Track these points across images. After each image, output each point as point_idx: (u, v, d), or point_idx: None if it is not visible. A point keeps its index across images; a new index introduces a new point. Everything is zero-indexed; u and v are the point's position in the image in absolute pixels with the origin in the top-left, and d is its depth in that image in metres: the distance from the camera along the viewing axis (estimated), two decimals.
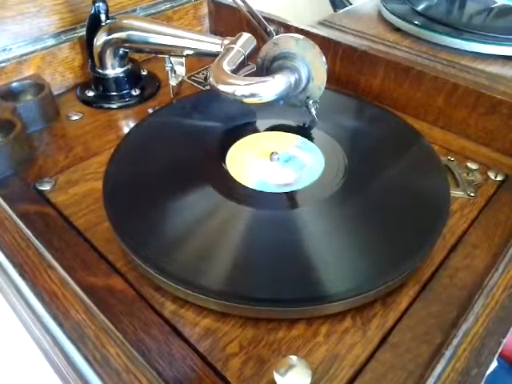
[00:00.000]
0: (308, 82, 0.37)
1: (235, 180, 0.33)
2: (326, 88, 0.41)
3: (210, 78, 0.35)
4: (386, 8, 0.68)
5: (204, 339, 0.26)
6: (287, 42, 0.36)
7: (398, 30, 0.66)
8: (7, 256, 0.24)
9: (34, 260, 0.24)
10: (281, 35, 0.36)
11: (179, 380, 0.23)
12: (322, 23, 0.70)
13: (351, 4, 0.81)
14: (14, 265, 0.24)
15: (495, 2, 0.66)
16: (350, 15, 0.74)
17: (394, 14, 0.66)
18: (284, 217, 0.31)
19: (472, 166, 0.37)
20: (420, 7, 0.66)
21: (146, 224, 0.30)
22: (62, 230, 0.32)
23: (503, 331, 0.21)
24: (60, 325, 0.21)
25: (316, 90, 0.37)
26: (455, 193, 0.35)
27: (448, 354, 0.19)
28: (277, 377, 0.23)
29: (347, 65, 0.47)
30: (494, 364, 0.70)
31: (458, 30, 0.60)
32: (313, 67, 0.36)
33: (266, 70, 0.38)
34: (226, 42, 0.40)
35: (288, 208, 0.32)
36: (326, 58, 0.47)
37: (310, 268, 0.27)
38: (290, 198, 0.32)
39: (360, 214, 0.31)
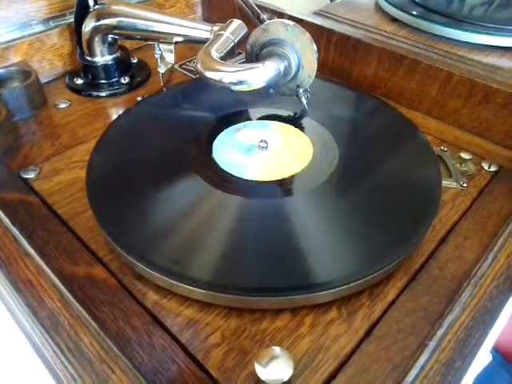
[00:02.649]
0: (298, 69, 0.36)
1: (222, 169, 0.33)
2: (318, 77, 0.40)
3: (198, 65, 0.34)
4: None
5: (186, 330, 0.25)
6: (277, 29, 0.35)
7: (394, 20, 0.65)
8: None
9: (10, 247, 0.23)
10: (271, 21, 0.35)
11: (158, 370, 0.23)
12: (318, 13, 0.69)
13: None
14: None
15: None
16: (346, 5, 0.73)
17: (391, 3, 0.65)
18: (271, 205, 0.30)
19: (465, 156, 0.36)
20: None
21: (129, 213, 0.29)
22: (45, 218, 0.31)
23: (490, 322, 0.20)
24: (34, 313, 0.20)
25: (306, 79, 0.36)
26: (447, 183, 0.35)
27: (432, 345, 0.19)
28: (258, 368, 0.22)
29: (341, 54, 0.46)
30: (489, 359, 0.69)
31: (455, 21, 0.59)
32: (303, 55, 0.35)
33: (255, 56, 0.37)
34: (216, 28, 0.39)
35: (276, 197, 0.31)
36: (320, 47, 0.47)
37: (297, 257, 0.26)
38: (278, 186, 0.32)
39: (349, 203, 0.30)
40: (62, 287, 0.21)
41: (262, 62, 0.34)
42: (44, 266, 0.22)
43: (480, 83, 0.38)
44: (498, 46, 0.56)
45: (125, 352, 0.19)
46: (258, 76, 0.34)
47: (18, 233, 0.24)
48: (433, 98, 0.41)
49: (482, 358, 0.51)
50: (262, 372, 0.22)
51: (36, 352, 0.20)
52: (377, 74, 0.44)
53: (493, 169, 0.36)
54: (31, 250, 0.23)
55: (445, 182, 0.35)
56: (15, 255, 0.23)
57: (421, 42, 0.60)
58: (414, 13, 0.62)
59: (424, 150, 0.34)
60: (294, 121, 0.38)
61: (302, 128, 0.37)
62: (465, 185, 0.35)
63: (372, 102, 0.40)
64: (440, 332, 0.19)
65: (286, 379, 0.22)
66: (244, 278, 0.25)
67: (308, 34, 0.35)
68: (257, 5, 0.42)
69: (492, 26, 0.56)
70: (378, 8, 0.70)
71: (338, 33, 0.45)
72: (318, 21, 0.48)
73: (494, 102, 0.37)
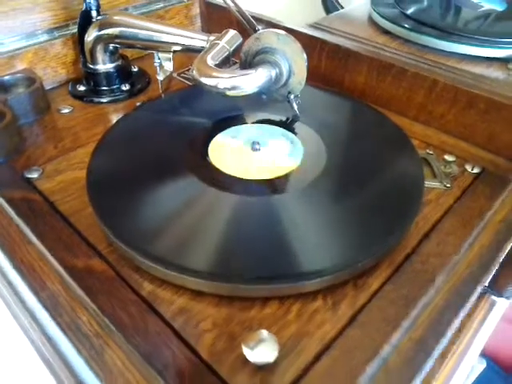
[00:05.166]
0: (289, 76, 0.38)
1: (217, 168, 0.34)
2: (310, 84, 0.42)
3: (194, 72, 0.36)
4: (375, 11, 0.69)
5: (179, 316, 0.26)
6: (269, 37, 0.37)
7: (387, 32, 0.68)
8: None
9: (14, 236, 0.25)
10: (263, 30, 0.37)
11: (152, 353, 0.24)
12: (313, 25, 0.71)
13: (343, 8, 0.83)
14: None
15: (482, 7, 0.67)
16: (340, 18, 0.75)
17: (383, 16, 0.67)
18: (262, 202, 0.32)
19: (449, 158, 0.38)
20: (409, 11, 0.67)
21: (126, 208, 0.31)
22: (46, 215, 0.33)
23: (461, 304, 0.21)
24: (36, 294, 0.21)
25: (297, 85, 0.38)
26: (432, 184, 0.36)
27: (406, 324, 0.20)
28: (245, 350, 0.23)
29: (332, 63, 0.48)
30: (483, 365, 0.69)
31: (445, 33, 0.62)
32: (293, 62, 0.37)
33: (248, 64, 0.39)
34: (212, 38, 0.41)
35: (266, 194, 0.33)
36: (313, 57, 0.49)
37: (285, 248, 0.28)
38: (269, 184, 0.33)
39: (336, 199, 0.32)
40: (63, 272, 0.23)
41: (254, 68, 0.36)
42: (46, 253, 0.24)
43: (463, 89, 0.40)
44: (485, 57, 0.59)
45: (120, 331, 0.21)
46: (250, 82, 0.36)
47: (21, 223, 0.26)
48: (419, 104, 0.43)
49: (472, 361, 0.52)
50: (249, 354, 0.23)
51: (40, 331, 0.21)
52: (367, 82, 0.46)
53: (476, 170, 0.38)
54: (34, 239, 0.25)
55: (429, 183, 0.36)
56: (19, 243, 0.24)
57: (411, 52, 0.62)
58: (405, 25, 0.64)
59: (408, 152, 0.36)
60: (286, 125, 0.40)
61: (293, 131, 0.39)
62: (448, 185, 0.36)
63: (360, 107, 0.42)
64: (414, 313, 0.21)
65: (271, 361, 0.23)
66: (234, 267, 0.27)
67: (298, 43, 0.37)
68: (253, 17, 0.44)
69: (478, 37, 0.59)
70: (371, 21, 0.72)
71: (330, 43, 0.47)
72: (312, 32, 0.51)
73: (476, 107, 0.39)
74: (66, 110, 0.45)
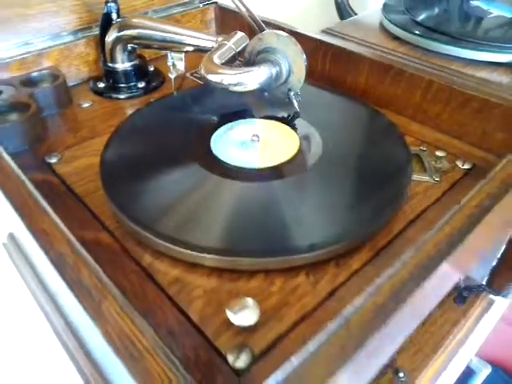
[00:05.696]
0: (289, 74, 0.40)
1: (217, 157, 0.37)
2: (312, 84, 0.45)
3: (201, 69, 0.39)
4: (386, 18, 0.72)
5: (173, 285, 0.29)
6: (270, 38, 0.40)
7: (396, 38, 0.70)
8: (12, 203, 0.29)
9: (33, 207, 0.28)
10: (265, 31, 0.40)
11: (147, 313, 0.27)
12: (325, 31, 0.74)
13: (356, 14, 0.85)
14: (16, 208, 0.28)
15: (491, 13, 0.68)
16: (353, 24, 0.78)
17: (392, 23, 0.70)
18: (257, 186, 0.34)
19: (440, 153, 0.40)
20: (419, 18, 0.69)
21: (133, 189, 0.34)
22: (63, 194, 0.37)
23: (424, 277, 0.23)
24: (46, 253, 0.25)
25: (296, 83, 0.41)
26: (422, 178, 0.38)
27: (370, 290, 0.22)
28: (228, 313, 0.26)
29: (336, 64, 0.50)
30: (488, 370, 0.70)
31: (452, 38, 0.63)
32: (293, 62, 0.40)
33: (252, 62, 0.42)
34: (220, 39, 0.44)
35: (262, 180, 0.35)
36: (318, 59, 0.52)
37: (274, 226, 0.31)
38: (264, 172, 0.36)
39: (328, 186, 0.34)
40: (73, 239, 0.26)
41: (256, 66, 0.39)
42: (59, 223, 0.27)
43: (457, 90, 0.41)
44: (490, 62, 0.60)
45: (117, 284, 0.23)
46: (252, 78, 0.39)
47: (40, 197, 0.29)
48: (416, 103, 0.45)
49: (466, 358, 0.52)
50: (232, 317, 0.26)
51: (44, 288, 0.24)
52: (367, 83, 0.48)
53: (466, 166, 0.39)
54: (50, 211, 0.28)
55: (419, 177, 0.38)
56: (36, 213, 0.28)
57: (418, 57, 0.64)
58: (413, 31, 0.66)
59: (399, 145, 0.38)
60: (286, 120, 0.42)
61: (293, 126, 0.41)
62: (437, 179, 0.38)
63: (356, 105, 0.45)
64: (379, 281, 0.23)
65: (252, 323, 0.26)
66: (224, 241, 0.30)
67: (298, 45, 0.40)
68: (264, 21, 0.47)
69: (484, 43, 0.60)
70: (382, 27, 0.74)
71: (334, 45, 0.50)
72: (318, 36, 0.53)
73: (470, 107, 0.41)
74: (86, 105, 0.49)
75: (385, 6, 0.75)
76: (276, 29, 0.54)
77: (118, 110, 0.49)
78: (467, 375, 0.70)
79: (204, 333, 0.26)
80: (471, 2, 0.72)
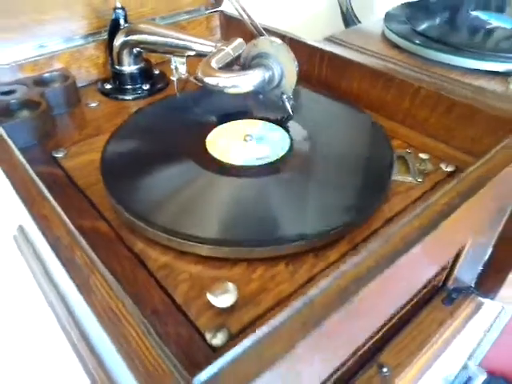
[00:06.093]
0: (281, 79, 0.43)
1: (212, 155, 0.40)
2: (309, 88, 0.47)
3: (199, 73, 0.42)
4: (386, 27, 0.73)
5: (162, 270, 0.31)
6: (264, 44, 0.42)
7: (396, 47, 0.72)
8: (17, 191, 0.31)
9: (35, 195, 0.31)
10: (259, 38, 0.42)
11: (137, 295, 0.29)
12: (328, 38, 0.76)
13: (360, 23, 0.88)
14: (20, 196, 0.31)
15: (490, 24, 0.70)
16: (355, 32, 0.80)
17: (392, 31, 0.71)
18: (245, 183, 0.37)
19: (424, 156, 0.42)
20: (418, 27, 0.71)
21: (130, 182, 0.37)
22: (65, 186, 0.39)
23: (388, 266, 0.25)
24: (45, 235, 0.27)
25: (288, 87, 0.43)
26: (405, 178, 0.40)
27: (335, 274, 0.24)
28: (209, 296, 0.28)
29: (331, 70, 0.52)
30: (483, 376, 0.71)
31: (450, 47, 0.65)
32: (285, 67, 0.42)
33: (247, 67, 0.44)
34: (219, 44, 0.47)
35: (251, 176, 0.38)
36: (315, 64, 0.54)
37: (259, 219, 0.33)
38: (253, 168, 0.38)
39: (313, 182, 0.37)
40: (67, 221, 0.28)
41: (250, 70, 0.41)
42: (59, 210, 0.29)
43: (444, 96, 0.43)
44: (486, 71, 0.61)
45: (106, 264, 0.26)
46: (246, 81, 0.41)
47: (42, 186, 0.31)
48: (406, 109, 0.47)
49: (455, 360, 0.54)
50: (212, 299, 0.28)
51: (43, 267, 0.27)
52: (360, 88, 0.50)
53: (450, 169, 0.41)
54: (51, 199, 0.30)
55: (403, 177, 0.40)
56: (38, 200, 0.30)
57: (417, 65, 0.66)
58: (412, 39, 0.67)
59: (382, 146, 0.40)
60: (280, 122, 0.44)
61: (285, 127, 0.43)
62: (420, 180, 0.40)
63: (348, 108, 0.47)
64: (344, 268, 0.25)
65: (229, 305, 0.28)
66: (210, 231, 0.32)
67: (291, 52, 0.42)
68: (266, 29, 0.49)
69: (481, 52, 0.62)
70: (383, 36, 0.76)
71: (329, 52, 0.52)
72: (316, 43, 0.55)
73: (455, 112, 0.43)
74: (93, 104, 0.52)
75: (387, 15, 0.77)
76: (277, 36, 0.57)
77: (123, 109, 0.52)
78: (465, 381, 0.71)
79: (186, 313, 0.28)
80: (471, 12, 0.73)
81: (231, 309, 0.28)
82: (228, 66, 0.45)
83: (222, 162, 0.39)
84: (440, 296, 0.53)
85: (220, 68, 0.43)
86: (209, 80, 0.41)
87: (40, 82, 0.49)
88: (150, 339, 0.21)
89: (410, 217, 0.29)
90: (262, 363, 0.20)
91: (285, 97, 0.44)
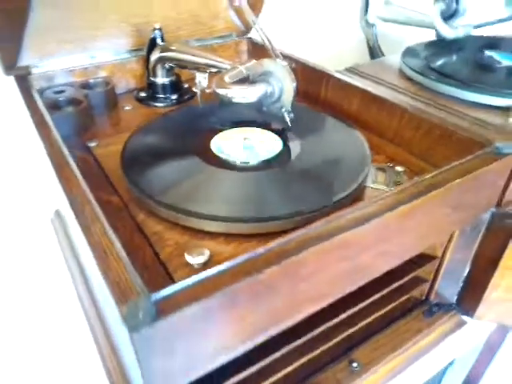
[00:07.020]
0: (280, 94, 0.49)
1: (214, 153, 0.47)
2: (310, 107, 0.54)
3: (213, 85, 0.50)
4: (402, 60, 0.79)
5: (155, 235, 0.38)
6: (268, 64, 0.49)
7: (409, 79, 0.77)
8: (54, 168, 0.39)
9: (69, 172, 0.39)
10: (265, 59, 0.50)
11: (133, 250, 0.36)
12: (348, 69, 0.83)
13: (384, 55, 0.94)
14: (57, 173, 0.38)
15: (500, 63, 0.74)
16: (374, 64, 0.86)
17: (407, 65, 0.77)
18: (240, 174, 0.44)
19: (399, 168, 0.47)
20: (434, 63, 0.76)
21: (142, 168, 0.44)
22: (93, 168, 0.48)
23: (328, 238, 0.31)
24: (67, 195, 0.35)
25: (287, 102, 0.50)
26: (380, 187, 0.45)
27: (282, 241, 0.30)
28: (186, 256, 0.35)
29: (334, 92, 0.59)
30: None
31: (457, 81, 0.69)
32: (285, 85, 0.49)
33: (253, 82, 0.52)
34: (237, 64, 0.55)
35: (244, 170, 0.44)
36: (321, 87, 0.61)
37: (240, 200, 0.39)
38: (247, 164, 0.45)
39: (294, 179, 0.43)
40: (89, 193, 0.36)
41: (254, 85, 0.49)
42: (83, 184, 0.37)
43: (425, 119, 0.48)
44: (488, 105, 0.65)
45: (111, 225, 0.33)
46: (250, 93, 0.48)
47: (73, 165, 0.39)
48: (394, 129, 0.52)
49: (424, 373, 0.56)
50: (188, 258, 0.35)
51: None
52: (358, 110, 0.56)
53: None
54: (78, 175, 0.38)
55: (379, 186, 0.45)
56: (71, 176, 0.38)
57: (426, 97, 0.71)
58: (422, 72, 0.73)
59: (362, 156, 0.46)
60: (279, 131, 0.51)
61: (282, 136, 0.50)
62: (392, 188, 0.45)
63: (340, 125, 0.53)
64: (290, 237, 0.31)
65: (201, 262, 0.34)
66: (197, 207, 0.39)
67: (291, 73, 0.49)
68: (283, 55, 0.57)
69: (484, 86, 0.66)
70: (400, 69, 0.82)
71: (333, 76, 0.58)
72: (322, 68, 0.62)
73: (434, 133, 0.48)
74: (127, 108, 0.61)
75: (405, 50, 0.83)
76: (291, 61, 0.64)
77: (152, 114, 0.60)
78: None
79: (166, 266, 0.35)
80: (486, 52, 0.78)
81: (203, 267, 0.35)
82: (241, 82, 0.52)
83: (222, 158, 0.46)
84: (422, 309, 0.57)
85: (232, 82, 0.51)
86: (220, 91, 0.49)
87: (86, 86, 0.59)
88: (129, 271, 0.28)
89: (360, 205, 0.34)
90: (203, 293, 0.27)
91: (283, 110, 0.50)
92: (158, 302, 0.26)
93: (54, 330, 0.65)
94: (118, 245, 0.30)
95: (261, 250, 0.30)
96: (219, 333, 0.29)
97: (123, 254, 0.29)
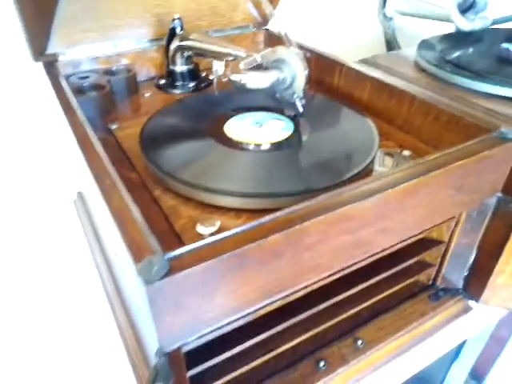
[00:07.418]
0: (292, 81, 0.51)
1: (227, 135, 0.49)
2: (321, 94, 0.56)
3: (228, 71, 0.52)
4: (418, 52, 0.80)
5: (170, 209, 0.41)
6: (281, 51, 0.51)
7: (423, 71, 0.78)
8: (80, 146, 0.42)
9: (93, 150, 0.41)
10: (279, 46, 0.52)
11: (149, 220, 0.39)
12: (362, 60, 0.84)
13: (400, 48, 0.94)
14: (83, 151, 0.41)
15: None
16: (390, 56, 0.87)
17: (421, 56, 0.78)
18: (250, 155, 0.46)
19: (406, 153, 0.48)
20: (449, 56, 0.77)
21: (159, 147, 0.47)
22: (113, 147, 0.51)
23: (332, 209, 0.33)
24: (91, 168, 0.38)
25: (299, 89, 0.52)
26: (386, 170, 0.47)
27: (269, 217, 0.32)
28: (199, 226, 0.37)
29: (347, 80, 0.61)
30: None
31: (471, 73, 0.70)
32: (297, 71, 0.51)
33: (266, 68, 0.54)
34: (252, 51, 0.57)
35: (254, 151, 0.47)
36: (334, 74, 0.63)
37: (249, 179, 0.42)
38: (259, 145, 0.47)
39: (300, 161, 0.45)
40: (111, 168, 0.38)
41: (267, 71, 0.51)
42: (106, 160, 0.39)
43: (433, 105, 0.50)
44: (499, 95, 0.66)
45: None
46: (263, 80, 0.50)
47: (97, 143, 0.42)
48: (404, 116, 0.54)
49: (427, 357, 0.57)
50: (200, 228, 0.37)
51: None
52: (369, 97, 0.58)
53: None
54: (102, 152, 0.41)
55: (384, 169, 0.47)
56: (95, 154, 0.40)
57: (439, 88, 0.72)
58: (435, 63, 0.73)
59: (369, 141, 0.48)
60: (291, 117, 0.53)
61: (293, 121, 0.52)
62: None
63: (350, 112, 0.55)
64: (291, 209, 0.33)
65: (213, 231, 0.37)
66: (209, 183, 0.41)
67: (304, 60, 0.51)
68: (300, 46, 0.59)
69: (499, 78, 0.66)
70: (415, 61, 0.83)
71: (345, 65, 0.60)
72: (333, 57, 0.64)
73: (441, 120, 0.49)
74: (147, 94, 0.64)
75: (421, 42, 0.83)
76: (305, 50, 0.66)
77: (171, 100, 0.63)
78: None
79: (180, 237, 0.38)
80: (502, 44, 0.78)
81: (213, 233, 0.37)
82: (256, 69, 0.55)
83: (233, 140, 0.48)
84: (428, 293, 0.58)
85: (246, 69, 0.53)
86: (234, 77, 0.51)
87: (109, 73, 0.62)
88: (145, 232, 0.31)
89: (361, 182, 0.36)
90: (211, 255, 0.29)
91: (296, 96, 0.52)
92: (170, 259, 0.28)
93: (74, 303, 0.69)
94: (135, 210, 0.33)
95: (266, 218, 0.32)
96: (226, 294, 0.31)
97: (140, 217, 0.32)
